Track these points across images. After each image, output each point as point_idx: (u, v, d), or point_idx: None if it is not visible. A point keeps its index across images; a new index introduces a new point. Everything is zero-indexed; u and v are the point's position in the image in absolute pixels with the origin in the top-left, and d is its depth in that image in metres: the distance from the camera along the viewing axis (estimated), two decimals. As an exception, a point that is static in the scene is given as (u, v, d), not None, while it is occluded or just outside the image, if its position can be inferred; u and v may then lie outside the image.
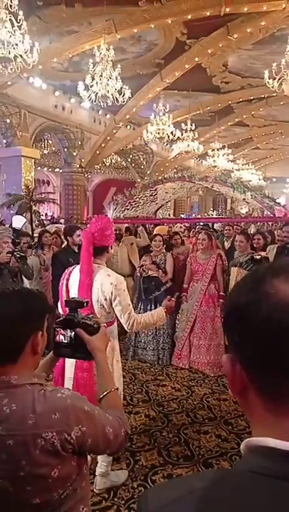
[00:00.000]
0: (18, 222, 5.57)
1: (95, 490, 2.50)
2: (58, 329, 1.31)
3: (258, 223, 9.15)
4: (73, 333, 1.30)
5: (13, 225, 5.48)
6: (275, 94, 10.81)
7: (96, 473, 2.55)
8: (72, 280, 2.45)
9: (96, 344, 1.28)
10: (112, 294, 2.33)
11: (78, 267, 2.46)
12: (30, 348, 1.11)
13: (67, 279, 2.49)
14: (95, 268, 2.41)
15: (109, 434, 1.13)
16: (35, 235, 8.48)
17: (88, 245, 2.42)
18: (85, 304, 1.39)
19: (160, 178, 6.55)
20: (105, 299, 2.36)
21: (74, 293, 2.40)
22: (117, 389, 1.32)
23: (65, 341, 1.31)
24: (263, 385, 0.50)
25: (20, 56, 6.70)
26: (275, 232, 6.30)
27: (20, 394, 1.06)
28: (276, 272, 0.52)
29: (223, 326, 0.57)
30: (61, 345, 1.32)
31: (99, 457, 2.56)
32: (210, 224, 7.73)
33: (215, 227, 8.53)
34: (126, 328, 2.44)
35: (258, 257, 3.95)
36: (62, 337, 1.31)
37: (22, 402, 1.04)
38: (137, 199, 6.39)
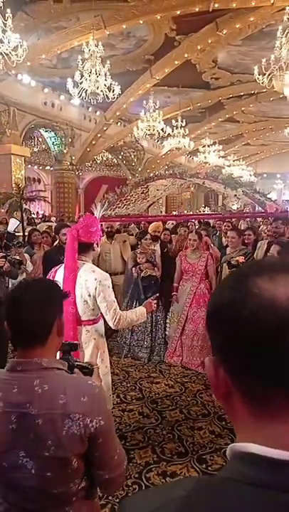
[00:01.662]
0: (12, 225, 5.51)
1: None
2: None
3: (249, 219, 9.19)
4: None
5: (8, 229, 5.41)
6: (264, 90, 10.86)
7: None
8: (58, 277, 2.46)
9: None
10: (96, 289, 2.34)
11: (63, 265, 2.48)
12: (56, 329, 1.18)
13: (53, 277, 2.50)
14: (80, 264, 2.43)
15: (116, 452, 1.16)
16: (26, 233, 8.43)
17: (73, 241, 2.46)
18: (77, 347, 1.44)
19: (151, 175, 6.52)
20: (89, 295, 2.37)
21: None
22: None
23: None
24: (247, 389, 0.48)
25: (6, 54, 6.62)
26: (263, 227, 6.32)
27: (51, 376, 1.12)
28: (259, 271, 0.50)
29: (206, 328, 0.55)
30: None
31: None
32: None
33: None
34: (111, 325, 2.43)
35: (234, 262, 3.88)
36: None
37: (53, 384, 1.10)
38: (129, 197, 6.37)
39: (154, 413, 3.50)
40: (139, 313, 2.53)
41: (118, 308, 2.41)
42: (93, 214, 2.82)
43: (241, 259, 4.09)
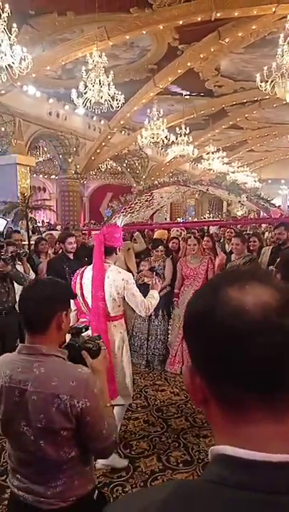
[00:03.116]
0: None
1: (97, 466, 2.55)
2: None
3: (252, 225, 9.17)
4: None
5: None
6: (267, 97, 10.90)
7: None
8: (85, 278, 2.83)
9: (96, 367, 1.47)
10: (124, 288, 2.72)
11: (89, 267, 2.86)
12: (56, 324, 1.38)
13: (81, 277, 2.86)
14: (106, 266, 2.78)
15: (104, 427, 1.33)
16: (31, 242, 8.48)
17: (100, 245, 2.81)
18: (83, 330, 1.60)
19: (155, 183, 6.54)
20: (118, 293, 2.74)
21: (88, 289, 2.78)
22: (112, 406, 1.57)
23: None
24: (221, 394, 0.50)
25: (11, 67, 6.75)
26: (267, 234, 6.30)
27: (48, 361, 1.32)
28: (231, 280, 0.52)
29: (184, 337, 0.57)
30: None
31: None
32: (205, 228, 7.72)
33: (211, 231, 8.55)
34: (143, 314, 2.86)
35: None
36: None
37: (49, 368, 1.31)
38: (133, 205, 6.40)
39: (159, 421, 3.49)
40: (155, 296, 2.91)
41: (144, 299, 2.80)
42: (100, 222, 3.06)
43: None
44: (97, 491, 1.46)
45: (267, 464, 0.45)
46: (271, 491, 0.43)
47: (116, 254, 2.90)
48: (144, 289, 4.76)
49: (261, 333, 0.46)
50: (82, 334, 1.58)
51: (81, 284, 2.83)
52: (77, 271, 2.96)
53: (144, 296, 2.86)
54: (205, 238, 5.39)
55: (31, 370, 1.30)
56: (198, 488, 0.48)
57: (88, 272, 2.83)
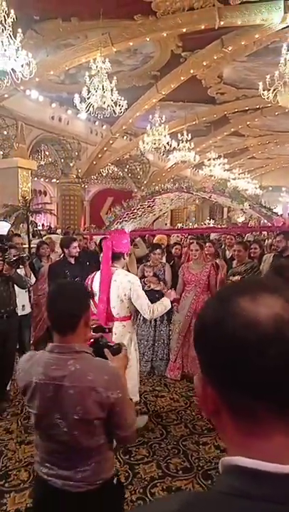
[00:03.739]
0: (2, 228, 5.51)
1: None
2: None
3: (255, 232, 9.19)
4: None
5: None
6: (269, 105, 10.96)
7: None
8: (95, 282, 3.04)
9: (117, 363, 1.59)
10: (130, 290, 2.92)
11: (99, 272, 3.07)
12: (83, 323, 1.49)
13: (91, 282, 3.08)
14: (113, 270, 2.98)
15: (129, 417, 1.48)
16: (32, 245, 8.48)
17: (108, 251, 3.01)
18: (106, 330, 1.76)
19: (158, 189, 6.56)
20: (124, 295, 2.94)
21: (96, 291, 2.97)
22: (132, 399, 1.69)
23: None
24: (233, 405, 0.51)
25: (13, 71, 6.79)
26: (268, 241, 6.31)
27: (81, 358, 1.44)
28: (242, 291, 0.52)
29: (194, 347, 0.58)
30: None
31: None
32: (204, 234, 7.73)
33: (212, 237, 8.56)
34: (147, 316, 3.00)
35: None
36: None
37: (84, 364, 1.43)
38: (135, 210, 6.41)
39: (158, 427, 3.47)
40: (165, 303, 3.06)
41: (150, 302, 2.97)
42: (100, 227, 3.18)
43: (238, 278, 4.11)
44: (116, 478, 1.61)
45: (280, 475, 0.45)
46: (284, 502, 0.44)
47: (124, 259, 3.09)
48: (150, 294, 4.76)
49: (273, 344, 0.46)
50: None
51: (91, 287, 3.04)
52: (89, 276, 3.20)
53: (151, 301, 3.01)
54: (207, 244, 5.39)
55: (66, 367, 1.41)
56: (211, 499, 0.49)
57: (98, 276, 3.08)
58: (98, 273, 3.08)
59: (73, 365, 1.41)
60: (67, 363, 1.41)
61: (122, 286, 2.92)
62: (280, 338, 0.47)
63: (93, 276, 3.13)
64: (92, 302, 2.96)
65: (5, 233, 5.18)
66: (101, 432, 1.44)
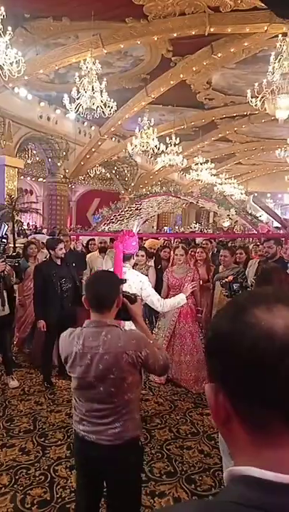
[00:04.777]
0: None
1: None
2: None
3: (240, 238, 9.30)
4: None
5: None
6: (257, 112, 11.12)
7: None
8: None
9: (134, 309, 1.96)
10: (141, 289, 3.25)
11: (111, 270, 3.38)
12: (116, 304, 1.84)
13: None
14: (125, 270, 3.27)
15: (160, 360, 1.82)
16: (17, 245, 8.38)
17: (120, 252, 3.28)
18: (124, 281, 2.25)
19: (146, 192, 6.57)
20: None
21: None
22: (155, 339, 2.14)
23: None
24: (246, 415, 0.51)
25: (1, 68, 6.72)
26: (250, 246, 6.39)
27: (112, 329, 1.76)
28: (256, 302, 0.53)
29: (205, 354, 0.57)
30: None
31: None
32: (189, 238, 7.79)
33: (197, 241, 8.62)
34: (160, 309, 3.45)
35: (224, 281, 4.00)
36: None
37: (114, 334, 1.74)
38: (123, 212, 6.40)
39: (143, 432, 3.45)
40: (179, 298, 3.50)
41: (159, 297, 3.41)
42: (87, 227, 3.28)
43: (230, 277, 4.14)
44: (141, 442, 1.93)
45: None
46: None
47: (133, 259, 3.45)
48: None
49: None
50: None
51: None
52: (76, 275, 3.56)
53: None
54: (198, 249, 5.41)
55: (100, 338, 1.72)
56: (221, 509, 0.48)
57: None
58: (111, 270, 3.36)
59: (106, 335, 1.72)
60: (101, 334, 1.73)
61: (133, 286, 3.19)
62: None
63: None
64: None
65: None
66: (132, 389, 1.77)
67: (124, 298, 1.94)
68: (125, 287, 3.09)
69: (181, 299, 3.49)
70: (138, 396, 1.91)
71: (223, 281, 4.00)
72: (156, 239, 7.49)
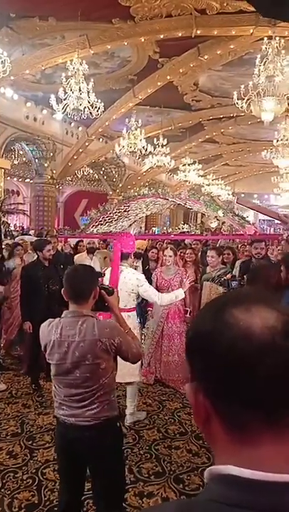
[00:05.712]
0: None
1: (126, 424, 3.45)
2: None
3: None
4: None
5: None
6: (243, 114, 11.21)
7: (126, 413, 3.57)
8: (106, 277, 3.53)
9: (112, 301, 2.13)
10: (138, 286, 3.48)
11: (110, 269, 3.61)
12: (93, 295, 1.97)
13: (103, 276, 3.48)
14: (122, 268, 3.50)
15: (133, 348, 2.00)
16: (3, 246, 8.28)
17: (117, 251, 3.52)
18: (101, 275, 2.53)
19: (135, 194, 6.57)
20: (132, 290, 3.50)
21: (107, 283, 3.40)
22: (130, 329, 2.23)
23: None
24: (226, 414, 0.51)
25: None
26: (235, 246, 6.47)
27: (88, 319, 1.90)
28: (236, 302, 0.53)
29: (186, 355, 0.57)
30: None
31: (128, 402, 3.64)
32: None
33: (186, 242, 8.65)
34: (158, 303, 3.61)
35: (224, 279, 4.19)
36: None
37: (89, 323, 1.88)
38: (111, 214, 6.39)
39: (131, 432, 3.47)
40: (178, 292, 3.67)
41: (156, 292, 3.64)
42: (75, 229, 3.43)
43: (229, 275, 4.26)
44: (119, 423, 2.08)
45: (272, 484, 0.46)
46: (276, 511, 0.44)
47: (131, 258, 3.66)
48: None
49: (269, 354, 0.48)
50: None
51: (102, 280, 3.37)
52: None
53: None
54: (188, 251, 5.44)
55: (76, 327, 1.86)
56: (201, 508, 0.49)
57: (108, 272, 3.62)
58: (109, 269, 3.62)
59: (81, 325, 1.86)
60: (77, 323, 1.87)
61: (130, 283, 3.44)
62: (275, 349, 0.48)
63: (104, 271, 3.71)
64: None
65: None
66: (106, 374, 1.90)
67: (102, 290, 2.07)
68: (122, 284, 3.42)
69: (179, 293, 3.63)
70: (113, 380, 2.03)
71: (222, 279, 4.11)
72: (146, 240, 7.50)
